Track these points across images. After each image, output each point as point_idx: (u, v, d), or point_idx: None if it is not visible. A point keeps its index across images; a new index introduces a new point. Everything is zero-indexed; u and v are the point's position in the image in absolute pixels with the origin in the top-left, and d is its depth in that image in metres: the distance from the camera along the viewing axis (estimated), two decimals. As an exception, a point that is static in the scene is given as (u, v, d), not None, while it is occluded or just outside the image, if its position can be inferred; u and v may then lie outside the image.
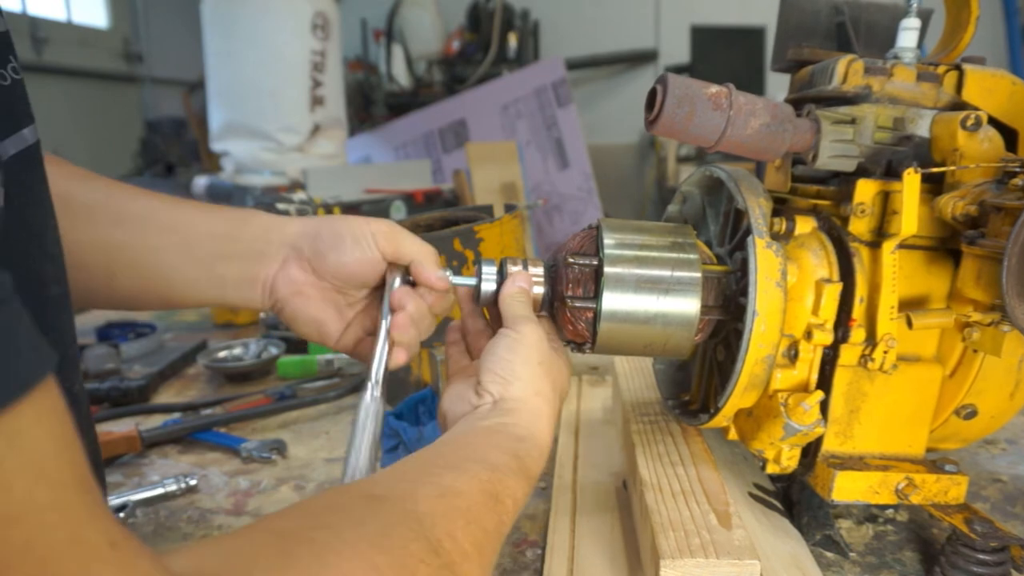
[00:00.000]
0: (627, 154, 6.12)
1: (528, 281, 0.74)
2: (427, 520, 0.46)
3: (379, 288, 0.75)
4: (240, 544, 0.38)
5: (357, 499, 0.47)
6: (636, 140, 6.08)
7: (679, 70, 5.25)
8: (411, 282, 0.75)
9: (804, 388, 0.79)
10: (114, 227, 0.69)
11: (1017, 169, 0.68)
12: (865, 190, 0.76)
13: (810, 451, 0.81)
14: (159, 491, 1.01)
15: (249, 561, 0.36)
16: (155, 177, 4.64)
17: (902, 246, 0.76)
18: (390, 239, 0.73)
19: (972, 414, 0.84)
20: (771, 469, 0.81)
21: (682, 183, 0.93)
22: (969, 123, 0.74)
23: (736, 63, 5.06)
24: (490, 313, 0.77)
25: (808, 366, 0.78)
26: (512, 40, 5.39)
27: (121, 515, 0.95)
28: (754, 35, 5.11)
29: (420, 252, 0.74)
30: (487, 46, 5.36)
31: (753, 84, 5.05)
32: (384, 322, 0.73)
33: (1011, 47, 5.16)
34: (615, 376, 1.11)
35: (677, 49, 5.60)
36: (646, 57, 6.06)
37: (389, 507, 0.46)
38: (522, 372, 0.65)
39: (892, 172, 0.78)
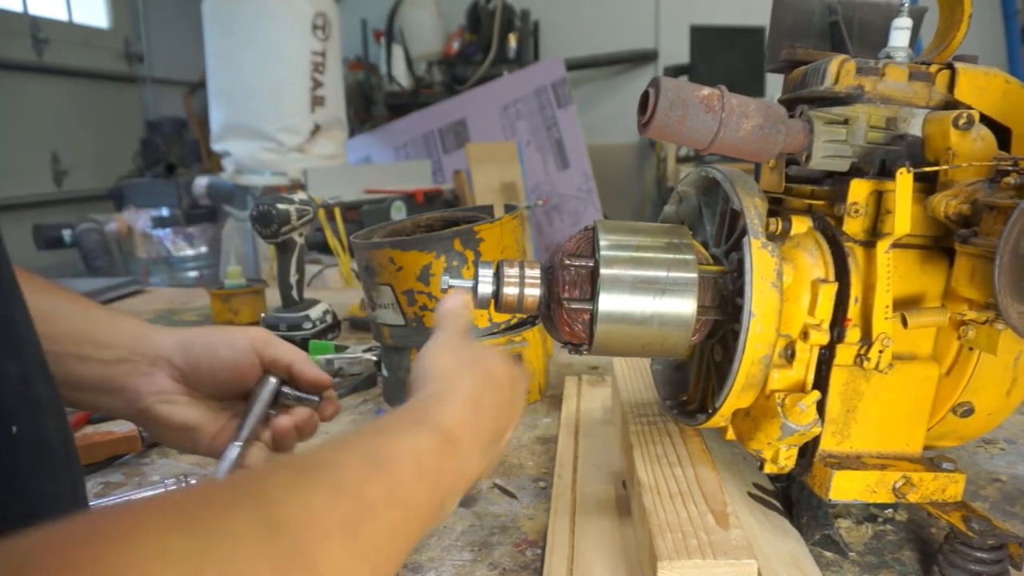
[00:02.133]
0: (627, 154, 6.12)
1: (463, 302, 0.74)
2: (275, 497, 0.38)
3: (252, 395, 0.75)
4: (57, 530, 0.31)
5: (201, 489, 0.40)
6: (636, 140, 6.08)
7: (679, 70, 5.26)
8: (286, 394, 0.77)
9: (801, 388, 0.79)
10: None
11: (1009, 168, 0.68)
12: (859, 190, 0.76)
13: (807, 451, 0.82)
14: (159, 491, 1.01)
15: (45, 546, 0.29)
16: (156, 178, 4.64)
17: (896, 245, 0.76)
18: (265, 343, 0.73)
19: (969, 412, 0.84)
20: (769, 469, 0.81)
21: (678, 183, 0.93)
22: (961, 122, 0.74)
23: (736, 63, 5.06)
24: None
25: (805, 366, 0.78)
26: (512, 40, 5.40)
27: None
28: (754, 35, 5.10)
29: (297, 354, 0.75)
30: (487, 46, 5.37)
31: (753, 84, 5.05)
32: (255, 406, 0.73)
33: (1010, 48, 5.15)
34: (614, 377, 1.12)
35: (677, 49, 5.60)
36: (646, 57, 6.06)
37: (232, 488, 0.39)
38: (428, 360, 0.65)
39: (885, 172, 0.78)
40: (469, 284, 0.76)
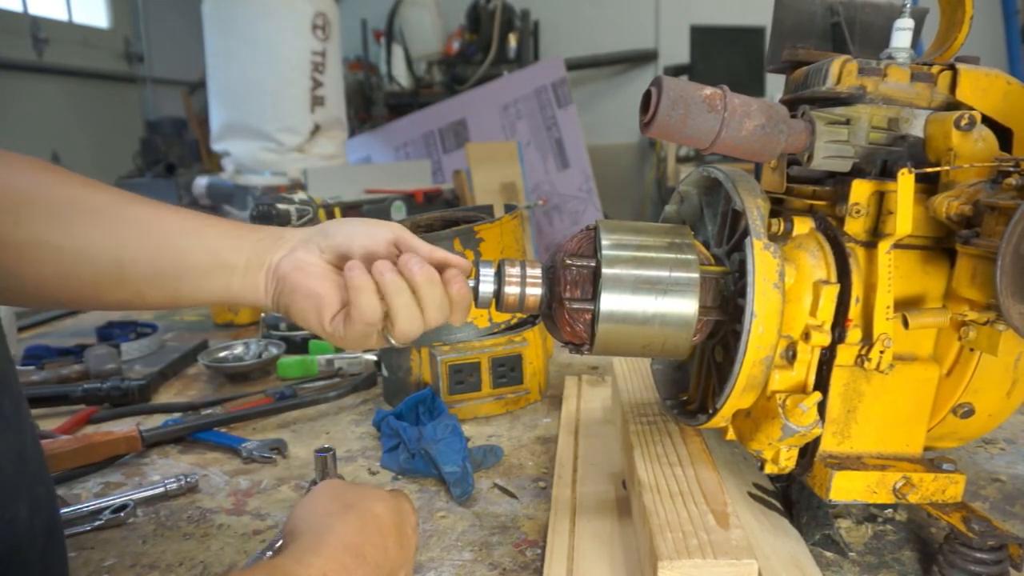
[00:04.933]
0: (627, 154, 6.12)
1: None
2: None
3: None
4: None
5: None
6: (636, 140, 6.08)
7: (679, 70, 5.25)
8: None
9: (802, 389, 0.79)
10: (123, 226, 0.70)
11: (1011, 169, 0.68)
12: (860, 190, 0.76)
13: (808, 451, 0.82)
14: (160, 491, 1.01)
15: None
16: (156, 178, 4.64)
17: (898, 246, 0.76)
18: (402, 234, 0.75)
19: (969, 413, 0.84)
20: (769, 469, 0.81)
21: (679, 183, 0.93)
22: (963, 123, 0.74)
23: (736, 63, 5.06)
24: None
25: (806, 367, 0.78)
26: (512, 40, 5.40)
27: (122, 514, 0.95)
28: (754, 35, 5.10)
29: (433, 248, 0.76)
30: (487, 46, 5.36)
31: (753, 84, 5.05)
32: None
33: (1010, 48, 5.15)
34: (614, 377, 1.11)
35: (677, 49, 5.60)
36: (646, 57, 6.05)
37: None
38: (301, 509, 0.68)
39: (887, 172, 0.78)
40: (470, 284, 0.76)
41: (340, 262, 0.73)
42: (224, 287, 0.73)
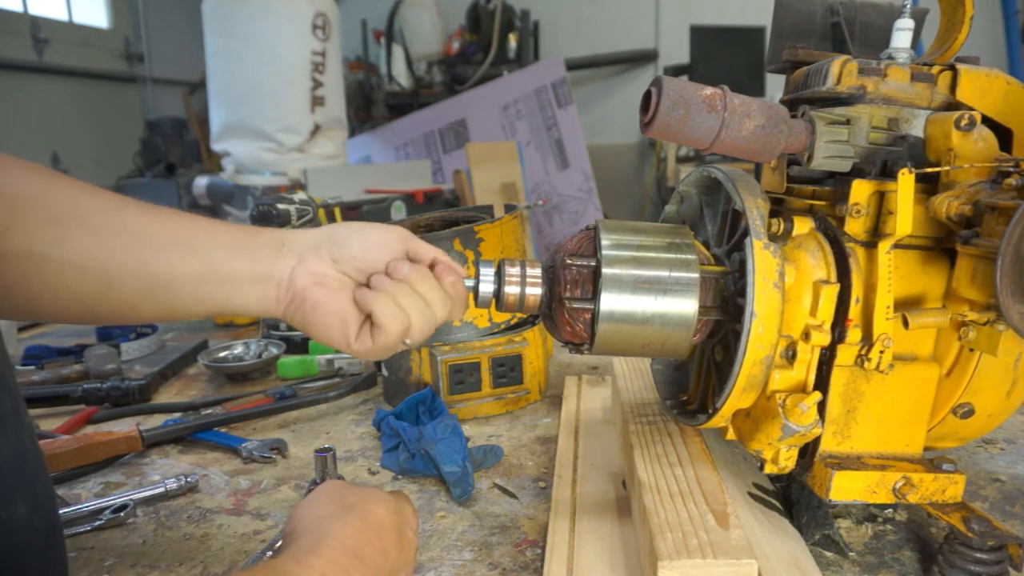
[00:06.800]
0: (627, 154, 6.12)
1: None
2: None
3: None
4: None
5: None
6: (636, 140, 6.08)
7: (679, 70, 5.26)
8: None
9: (802, 389, 0.79)
10: (116, 235, 0.66)
11: (1011, 169, 0.68)
12: (860, 190, 0.76)
13: (808, 451, 0.82)
14: (160, 491, 1.01)
15: None
16: (156, 178, 4.64)
17: (898, 246, 0.76)
18: (410, 237, 0.74)
19: (969, 413, 0.84)
20: (769, 469, 0.81)
21: (679, 183, 0.93)
22: (963, 123, 0.74)
23: (736, 63, 5.06)
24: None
25: (806, 367, 0.78)
26: (512, 40, 5.40)
27: (122, 514, 0.95)
28: (753, 35, 5.10)
29: (437, 251, 0.75)
30: (487, 46, 5.36)
31: (753, 84, 5.05)
32: None
33: (1010, 48, 5.15)
34: (614, 377, 1.11)
35: (677, 49, 5.60)
36: (646, 57, 6.06)
37: None
38: (301, 510, 0.68)
39: (887, 172, 0.78)
40: (470, 284, 0.76)
41: (359, 277, 0.71)
42: (223, 300, 0.70)
